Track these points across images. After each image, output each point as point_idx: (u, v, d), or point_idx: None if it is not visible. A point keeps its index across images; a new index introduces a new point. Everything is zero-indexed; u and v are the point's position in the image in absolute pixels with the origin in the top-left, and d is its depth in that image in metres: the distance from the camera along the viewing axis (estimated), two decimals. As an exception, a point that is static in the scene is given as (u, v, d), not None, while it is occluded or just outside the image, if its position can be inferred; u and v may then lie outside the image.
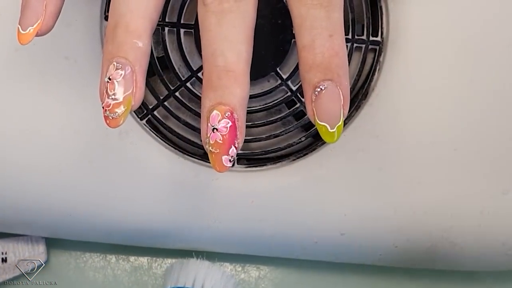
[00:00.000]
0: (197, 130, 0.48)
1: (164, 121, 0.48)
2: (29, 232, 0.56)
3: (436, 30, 0.46)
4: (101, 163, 0.48)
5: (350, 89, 0.47)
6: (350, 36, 0.46)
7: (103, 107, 0.37)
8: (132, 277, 0.60)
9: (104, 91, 0.37)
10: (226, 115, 0.37)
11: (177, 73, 0.47)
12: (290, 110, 0.48)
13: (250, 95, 0.47)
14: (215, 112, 0.37)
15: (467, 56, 0.46)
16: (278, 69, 0.47)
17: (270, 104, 0.48)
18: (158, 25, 0.46)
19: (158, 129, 0.49)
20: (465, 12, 0.46)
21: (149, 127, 0.48)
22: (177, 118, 0.48)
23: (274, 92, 0.48)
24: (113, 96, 0.37)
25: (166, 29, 0.47)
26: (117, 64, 0.37)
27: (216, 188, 0.49)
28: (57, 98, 0.48)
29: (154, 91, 0.48)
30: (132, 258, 0.60)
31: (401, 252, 0.51)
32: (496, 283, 0.57)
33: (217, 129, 0.37)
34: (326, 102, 0.37)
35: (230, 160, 0.38)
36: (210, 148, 0.37)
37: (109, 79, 0.37)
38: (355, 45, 0.47)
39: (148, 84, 0.47)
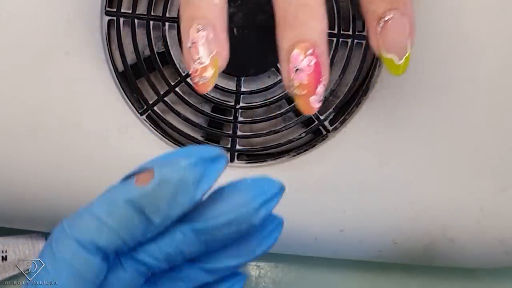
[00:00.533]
0: (197, 126, 0.48)
1: (164, 117, 0.48)
2: (28, 227, 0.56)
3: (436, 25, 0.46)
4: (100, 158, 0.48)
5: (350, 85, 0.47)
6: (350, 32, 0.46)
7: (190, 74, 0.36)
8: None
9: (190, 58, 0.36)
10: (309, 52, 0.35)
11: (177, 68, 0.47)
12: (290, 105, 0.48)
13: (250, 91, 0.48)
14: (296, 51, 0.35)
15: (467, 52, 0.46)
16: (278, 64, 0.47)
17: (271, 99, 0.48)
18: (158, 20, 0.46)
19: (158, 124, 0.49)
20: (464, 8, 0.46)
21: (149, 123, 0.48)
22: (177, 113, 0.48)
23: (275, 88, 0.48)
24: (199, 61, 0.36)
25: (167, 24, 0.47)
26: (198, 26, 0.35)
27: (216, 184, 0.49)
28: (57, 93, 0.48)
29: (154, 86, 0.48)
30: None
31: (400, 249, 0.51)
32: (494, 280, 0.57)
33: (300, 69, 0.35)
34: (392, 33, 0.35)
35: (319, 100, 0.36)
36: (296, 91, 0.35)
37: (192, 43, 0.35)
38: (355, 41, 0.47)
39: (148, 80, 0.47)
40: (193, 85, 0.37)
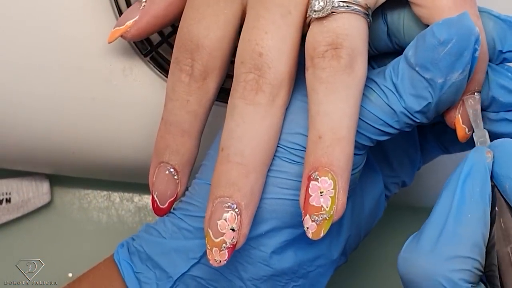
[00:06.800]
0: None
1: (168, 58, 0.48)
2: (32, 169, 0.56)
3: None
4: (104, 100, 0.48)
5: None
6: None
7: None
8: (136, 218, 0.61)
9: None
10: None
11: (181, 9, 0.47)
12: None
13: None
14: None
15: None
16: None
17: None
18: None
19: (162, 66, 0.48)
20: None
21: (153, 64, 0.48)
22: (182, 55, 0.48)
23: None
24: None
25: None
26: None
27: (220, 125, 0.49)
28: (60, 35, 0.47)
29: (158, 27, 0.47)
30: (136, 199, 0.61)
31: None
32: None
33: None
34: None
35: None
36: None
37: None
38: None
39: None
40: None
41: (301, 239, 0.40)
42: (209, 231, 0.37)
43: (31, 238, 0.59)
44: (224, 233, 0.37)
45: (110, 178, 0.57)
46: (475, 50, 0.35)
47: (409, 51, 0.37)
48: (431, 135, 0.46)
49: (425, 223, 0.36)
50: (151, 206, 0.43)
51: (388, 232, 0.59)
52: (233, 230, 0.37)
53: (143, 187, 0.59)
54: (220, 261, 0.37)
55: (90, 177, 0.57)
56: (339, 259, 0.44)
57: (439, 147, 0.46)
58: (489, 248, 0.34)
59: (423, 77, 0.36)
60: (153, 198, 0.42)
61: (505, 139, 0.36)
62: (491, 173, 0.35)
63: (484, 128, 0.39)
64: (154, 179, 0.42)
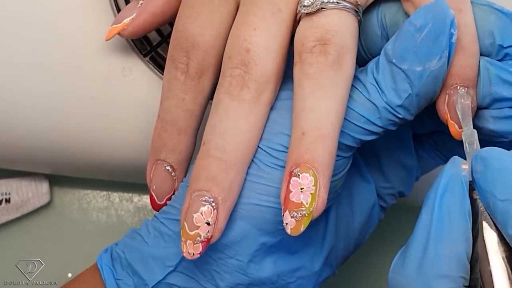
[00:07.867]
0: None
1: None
2: (32, 169, 0.56)
3: None
4: (103, 100, 0.48)
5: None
6: None
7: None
8: (136, 218, 0.61)
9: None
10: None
11: (181, 9, 0.46)
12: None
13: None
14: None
15: None
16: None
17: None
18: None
19: (161, 66, 0.48)
20: None
21: (152, 64, 0.48)
22: (181, 55, 0.48)
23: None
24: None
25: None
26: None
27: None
28: (59, 33, 0.47)
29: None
30: (135, 199, 0.61)
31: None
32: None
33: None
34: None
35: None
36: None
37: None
38: None
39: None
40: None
41: (281, 248, 0.40)
42: (185, 223, 0.37)
43: (31, 238, 0.59)
44: (199, 227, 0.36)
45: (109, 178, 0.57)
46: (451, 35, 0.35)
47: (388, 45, 0.36)
48: (428, 144, 0.46)
49: (409, 240, 0.35)
50: (150, 206, 0.43)
51: (387, 234, 0.58)
52: (208, 224, 0.36)
53: (142, 187, 0.59)
54: (193, 254, 0.37)
55: (90, 177, 0.57)
56: (322, 271, 0.43)
57: (437, 156, 0.46)
58: (473, 262, 0.34)
59: (400, 69, 0.36)
60: (151, 194, 0.42)
61: (493, 148, 0.34)
62: (476, 185, 0.34)
63: (488, 128, 0.38)
64: (151, 175, 0.42)
